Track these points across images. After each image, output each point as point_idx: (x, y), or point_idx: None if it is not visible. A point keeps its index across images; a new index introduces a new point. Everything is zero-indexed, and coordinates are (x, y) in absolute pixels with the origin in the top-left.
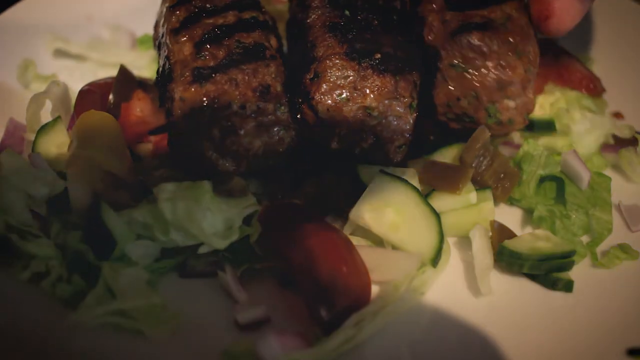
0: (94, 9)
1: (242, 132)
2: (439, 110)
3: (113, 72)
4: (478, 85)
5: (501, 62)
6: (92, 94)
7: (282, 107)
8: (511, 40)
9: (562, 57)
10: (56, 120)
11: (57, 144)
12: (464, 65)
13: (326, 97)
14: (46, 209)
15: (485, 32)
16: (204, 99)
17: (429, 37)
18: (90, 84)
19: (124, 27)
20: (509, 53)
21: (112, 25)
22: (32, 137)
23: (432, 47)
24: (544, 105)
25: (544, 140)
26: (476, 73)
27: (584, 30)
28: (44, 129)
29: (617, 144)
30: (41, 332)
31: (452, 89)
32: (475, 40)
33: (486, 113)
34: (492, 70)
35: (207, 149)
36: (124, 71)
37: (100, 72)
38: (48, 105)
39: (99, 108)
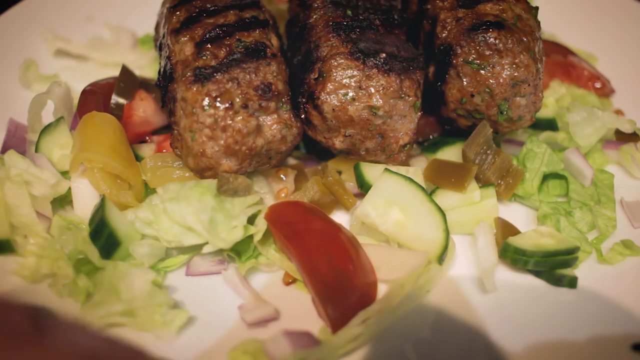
0: (95, 8)
1: (245, 131)
2: (450, 107)
3: (115, 72)
4: (493, 82)
5: (516, 60)
6: (95, 94)
7: (285, 106)
8: (524, 39)
9: (569, 56)
10: (59, 120)
11: (60, 144)
12: (479, 62)
13: (331, 97)
14: (51, 210)
15: (501, 30)
16: (206, 98)
17: (443, 34)
18: (92, 84)
19: (125, 27)
20: (523, 52)
21: (113, 25)
22: (34, 137)
23: (445, 44)
24: (546, 103)
25: (545, 134)
26: (491, 70)
27: (588, 29)
28: (46, 129)
29: (618, 140)
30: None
31: (467, 85)
32: (491, 38)
33: (498, 110)
34: (507, 68)
35: (211, 148)
36: (126, 71)
37: (102, 72)
38: (50, 105)
39: (102, 108)
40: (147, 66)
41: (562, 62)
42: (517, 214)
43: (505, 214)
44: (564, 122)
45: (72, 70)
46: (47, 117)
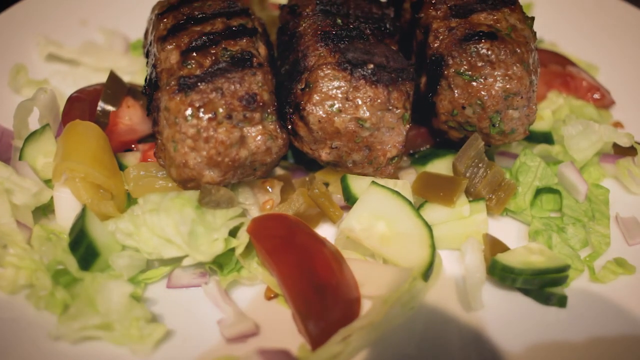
0: (88, 13)
1: (228, 142)
2: (442, 118)
3: (106, 78)
4: (485, 94)
5: (508, 72)
6: (81, 101)
7: (270, 116)
8: (518, 50)
9: (568, 66)
10: (44, 128)
11: (44, 152)
12: (471, 73)
13: (317, 108)
14: (32, 219)
15: (493, 41)
16: (189, 108)
17: (435, 44)
18: (79, 91)
19: (118, 32)
20: (517, 63)
21: (107, 30)
22: (20, 144)
23: (437, 54)
24: (543, 116)
25: (539, 147)
26: (483, 82)
27: (590, 38)
28: (31, 136)
29: (616, 153)
30: (24, 345)
31: (458, 96)
32: (484, 49)
33: (490, 122)
34: (499, 80)
35: (194, 159)
36: (113, 77)
37: (93, 77)
38: (36, 111)
39: (88, 115)
40: (138, 72)
41: (561, 72)
42: (508, 229)
43: (497, 229)
44: (559, 135)
45: (62, 75)
46: (34, 123)
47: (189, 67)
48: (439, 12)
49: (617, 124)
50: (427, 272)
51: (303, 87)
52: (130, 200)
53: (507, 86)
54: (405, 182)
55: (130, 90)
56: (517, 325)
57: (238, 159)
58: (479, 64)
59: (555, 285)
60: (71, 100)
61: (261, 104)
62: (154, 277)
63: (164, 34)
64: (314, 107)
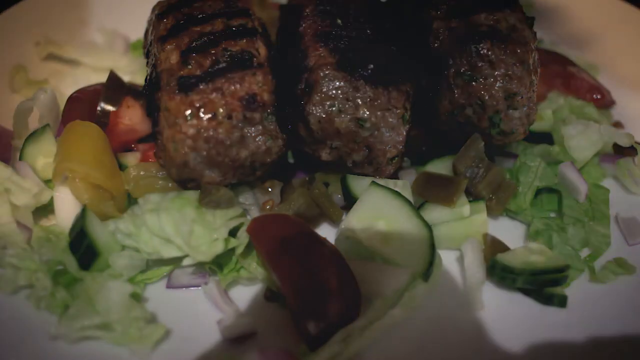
0: (88, 13)
1: (228, 142)
2: (442, 119)
3: (106, 78)
4: (485, 94)
5: (509, 72)
6: (81, 101)
7: (270, 117)
8: (518, 50)
9: (568, 66)
10: (44, 128)
11: (44, 152)
12: (471, 73)
13: (317, 109)
14: (32, 220)
15: (494, 41)
16: (189, 108)
17: (435, 45)
18: (79, 91)
19: (118, 32)
20: (517, 64)
21: (107, 30)
22: (20, 144)
23: (437, 54)
24: (543, 116)
25: (540, 147)
26: (483, 82)
27: (590, 38)
28: (31, 137)
29: (616, 153)
30: (24, 345)
31: (458, 96)
32: (484, 49)
33: (490, 122)
34: (500, 80)
35: (194, 159)
36: (113, 77)
37: (93, 77)
38: (36, 111)
39: (88, 115)
40: (139, 72)
41: (561, 72)
42: (508, 229)
43: (497, 229)
44: (559, 135)
45: (62, 75)
46: (34, 123)
47: (189, 67)
48: (439, 12)
49: (617, 124)
50: (427, 272)
51: (303, 87)
52: (130, 200)
53: (507, 86)
54: (405, 182)
55: (130, 90)
56: (517, 325)
57: (238, 159)
58: (479, 64)
59: (555, 285)
60: (71, 100)
61: (261, 104)
62: (153, 277)
63: (164, 34)
64: (314, 107)
